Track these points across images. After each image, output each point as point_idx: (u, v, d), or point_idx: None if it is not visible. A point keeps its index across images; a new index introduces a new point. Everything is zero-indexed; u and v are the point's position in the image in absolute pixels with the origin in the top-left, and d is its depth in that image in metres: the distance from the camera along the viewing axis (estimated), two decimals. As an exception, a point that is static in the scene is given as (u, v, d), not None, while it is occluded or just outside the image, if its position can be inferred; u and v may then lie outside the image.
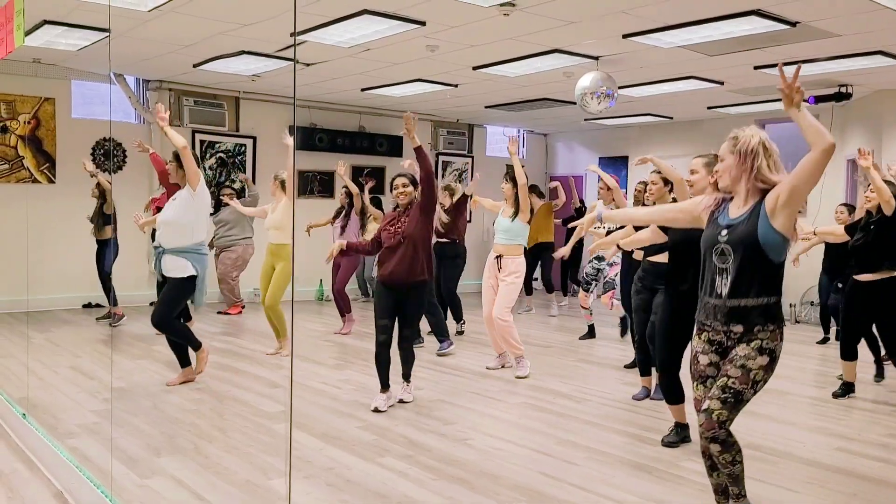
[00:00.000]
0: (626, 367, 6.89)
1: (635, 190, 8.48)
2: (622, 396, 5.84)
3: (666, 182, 5.21)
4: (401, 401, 5.40)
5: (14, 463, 4.03)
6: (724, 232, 3.03)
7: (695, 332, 3.20)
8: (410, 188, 5.27)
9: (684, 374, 4.44)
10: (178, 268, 5.60)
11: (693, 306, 3.26)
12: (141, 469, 3.95)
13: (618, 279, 7.80)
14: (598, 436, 4.79)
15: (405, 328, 5.27)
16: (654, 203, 5.34)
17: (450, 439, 4.63)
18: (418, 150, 5.10)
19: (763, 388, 3.03)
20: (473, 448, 4.47)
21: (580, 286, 8.31)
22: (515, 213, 6.58)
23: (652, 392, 5.71)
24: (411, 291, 5.18)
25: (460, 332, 8.48)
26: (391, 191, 5.44)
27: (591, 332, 8.50)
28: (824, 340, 8.59)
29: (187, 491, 3.68)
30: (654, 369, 5.57)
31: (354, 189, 8.40)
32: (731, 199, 3.12)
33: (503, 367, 6.75)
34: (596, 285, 8.08)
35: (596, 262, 8.04)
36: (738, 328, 3.00)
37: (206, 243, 5.80)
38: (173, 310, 5.72)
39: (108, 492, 3.34)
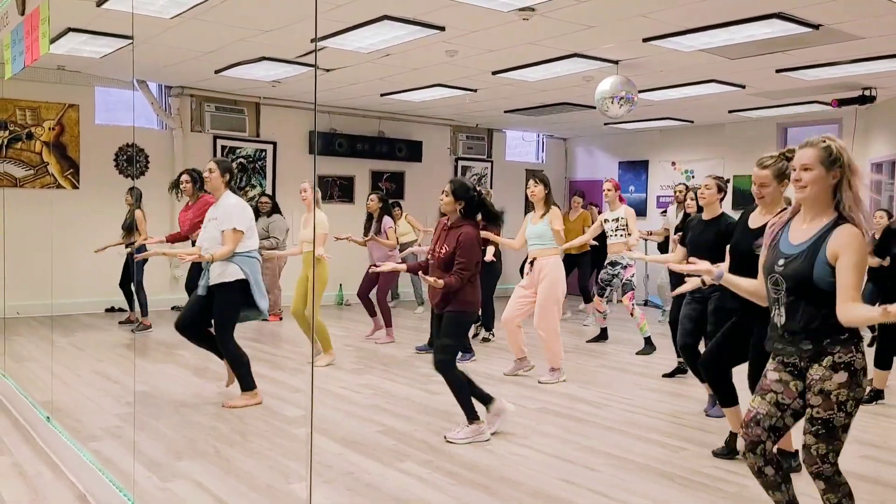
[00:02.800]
0: (665, 375, 6.71)
1: (675, 191, 8.59)
2: (643, 402, 5.80)
3: (720, 189, 5.12)
4: (445, 438, 4.74)
5: (38, 465, 4.07)
6: (781, 262, 2.81)
7: (771, 356, 2.97)
8: (450, 198, 4.72)
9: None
10: (224, 273, 5.25)
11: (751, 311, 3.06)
12: (163, 472, 3.97)
13: (635, 280, 7.90)
14: (619, 442, 4.75)
15: (439, 339, 4.80)
16: (703, 208, 5.18)
17: (469, 445, 4.62)
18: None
19: (857, 408, 2.76)
20: (493, 453, 4.46)
21: (595, 292, 8.27)
22: (546, 213, 6.36)
23: (714, 407, 5.34)
24: (444, 317, 4.79)
25: (486, 340, 8.41)
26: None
27: (603, 335, 8.44)
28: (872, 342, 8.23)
29: (208, 494, 3.70)
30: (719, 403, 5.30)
31: (392, 244, 8.22)
32: (793, 217, 2.89)
33: (522, 371, 6.68)
34: (611, 290, 8.03)
35: (610, 267, 7.97)
36: (808, 345, 2.78)
37: (256, 249, 5.47)
38: (228, 321, 5.34)
39: (131, 495, 3.36)
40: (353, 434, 4.77)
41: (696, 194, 6.02)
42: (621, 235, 7.84)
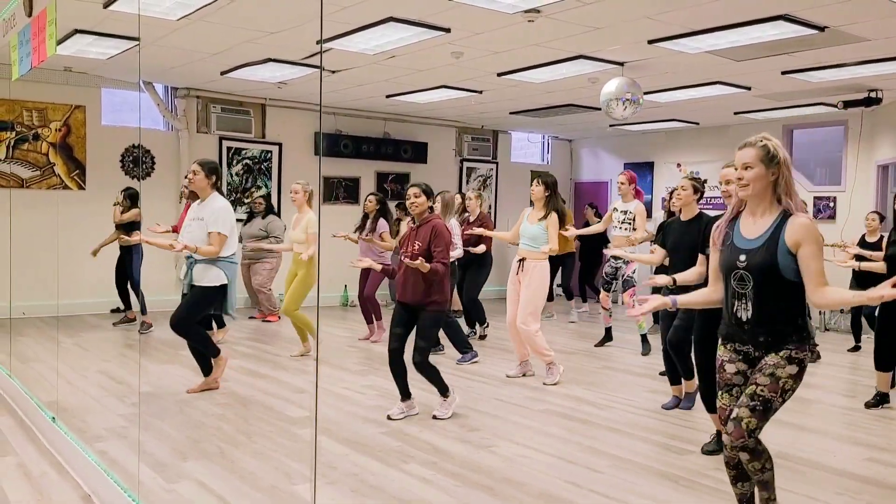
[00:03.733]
0: (662, 374, 6.76)
1: (664, 199, 8.61)
2: (647, 404, 5.80)
3: (696, 190, 5.16)
4: (434, 416, 5.20)
5: (43, 466, 4.09)
6: (743, 258, 2.94)
7: (720, 341, 3.14)
8: (423, 199, 5.13)
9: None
10: (209, 277, 5.51)
11: None
12: (168, 473, 3.98)
13: (636, 276, 7.86)
14: (623, 443, 4.75)
15: (418, 341, 5.07)
16: (681, 209, 5.29)
17: (473, 446, 4.62)
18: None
19: (790, 398, 2.98)
20: (497, 455, 4.46)
21: (601, 287, 8.21)
22: (544, 217, 6.41)
23: (682, 401, 5.64)
24: (424, 311, 5.06)
25: (483, 337, 8.50)
26: (406, 201, 5.28)
27: (608, 336, 8.38)
28: (855, 348, 8.42)
29: (213, 495, 3.71)
30: (683, 378, 5.53)
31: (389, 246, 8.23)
32: (739, 214, 3.04)
33: (524, 374, 6.71)
34: (615, 284, 7.98)
35: (614, 261, 7.92)
36: (767, 339, 2.94)
37: (237, 253, 5.73)
38: (195, 315, 5.67)
39: (136, 495, 3.37)
40: (357, 435, 4.78)
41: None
42: (626, 229, 7.82)
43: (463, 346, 7.34)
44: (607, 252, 7.81)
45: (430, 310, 5.04)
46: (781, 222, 2.89)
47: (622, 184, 7.90)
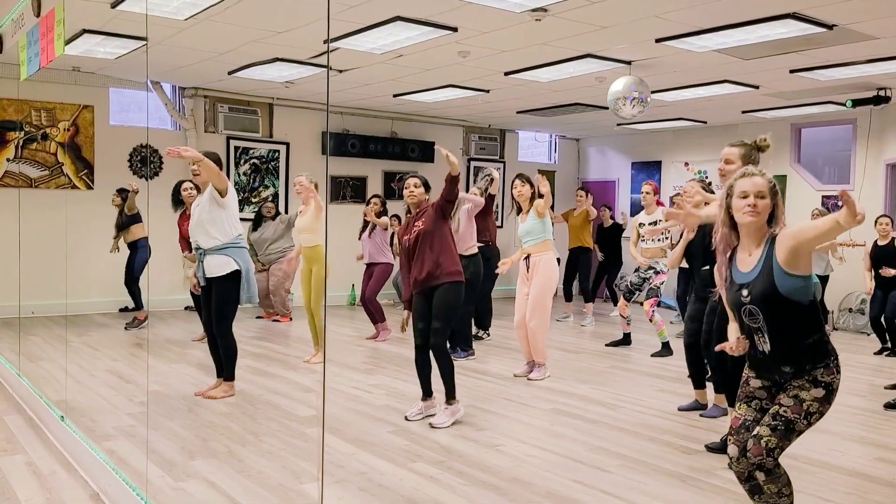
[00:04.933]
0: (690, 377, 6.68)
1: (674, 201, 8.63)
2: (656, 404, 5.78)
3: (705, 191, 5.18)
4: (431, 424, 5.00)
5: (52, 464, 4.10)
6: (745, 293, 2.90)
7: (747, 365, 3.08)
8: (421, 190, 5.13)
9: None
10: (219, 265, 5.41)
11: None
12: (176, 472, 3.99)
13: (663, 288, 7.81)
14: (632, 443, 4.74)
15: (432, 322, 4.93)
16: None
17: (481, 445, 4.62)
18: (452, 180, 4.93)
19: (816, 422, 2.92)
20: (505, 454, 4.46)
21: (623, 296, 8.11)
22: (531, 209, 6.49)
23: (708, 408, 5.46)
24: (438, 290, 4.95)
25: (479, 338, 8.40)
26: (404, 190, 5.22)
27: (625, 340, 8.28)
28: (882, 351, 8.19)
29: (221, 494, 3.71)
30: (708, 383, 5.46)
31: (385, 223, 8.36)
32: (734, 249, 3.00)
33: (531, 373, 6.68)
34: (639, 294, 7.87)
35: (643, 271, 7.76)
36: (788, 368, 2.90)
37: (243, 236, 5.63)
38: (230, 311, 5.54)
39: (144, 494, 3.38)
40: (364, 434, 4.78)
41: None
42: (659, 240, 7.71)
43: (466, 343, 7.47)
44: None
45: (443, 283, 4.91)
46: (770, 247, 2.87)
47: (647, 194, 7.86)
